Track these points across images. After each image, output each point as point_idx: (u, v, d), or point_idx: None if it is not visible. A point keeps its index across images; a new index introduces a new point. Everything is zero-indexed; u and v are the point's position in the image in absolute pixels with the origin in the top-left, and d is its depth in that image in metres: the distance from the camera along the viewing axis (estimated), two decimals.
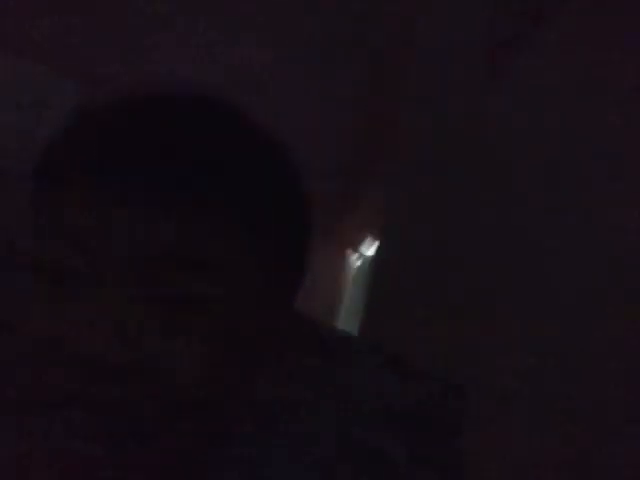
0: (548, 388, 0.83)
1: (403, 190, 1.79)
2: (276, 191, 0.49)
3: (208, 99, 0.50)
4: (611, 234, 0.78)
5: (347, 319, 2.63)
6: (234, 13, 2.18)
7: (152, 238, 0.44)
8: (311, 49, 2.25)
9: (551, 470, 0.79)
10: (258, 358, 0.51)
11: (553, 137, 0.97)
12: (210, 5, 2.17)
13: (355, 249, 2.79)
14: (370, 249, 2.69)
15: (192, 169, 0.44)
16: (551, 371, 0.83)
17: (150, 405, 0.43)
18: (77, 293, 0.44)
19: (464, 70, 1.42)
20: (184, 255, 0.45)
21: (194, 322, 0.45)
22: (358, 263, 2.83)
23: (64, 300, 0.44)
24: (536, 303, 0.91)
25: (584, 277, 0.82)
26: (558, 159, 0.94)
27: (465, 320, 1.10)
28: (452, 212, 1.33)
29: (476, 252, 1.14)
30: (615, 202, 0.79)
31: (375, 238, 2.54)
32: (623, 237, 0.76)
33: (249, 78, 2.18)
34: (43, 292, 0.45)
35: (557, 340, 0.84)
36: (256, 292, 0.49)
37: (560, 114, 0.96)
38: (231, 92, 0.52)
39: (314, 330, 0.72)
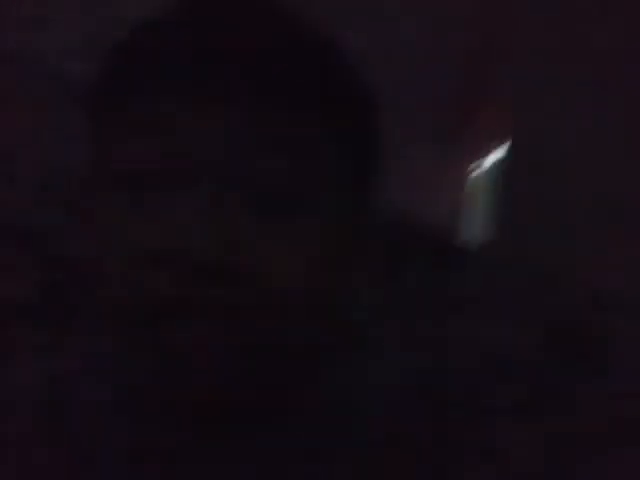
0: None
1: (533, 95, 1.71)
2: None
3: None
4: None
5: (472, 229, 2.57)
6: None
7: (247, 134, 0.43)
8: None
9: None
10: (355, 264, 0.51)
11: None
12: None
13: (479, 155, 2.71)
14: (494, 154, 2.60)
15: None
16: None
17: (250, 310, 0.43)
18: (171, 196, 0.43)
19: None
20: (277, 153, 0.44)
21: (290, 225, 0.44)
22: (482, 169, 2.75)
23: (156, 204, 0.43)
24: None
25: None
26: None
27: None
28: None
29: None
30: None
31: (499, 143, 2.45)
32: None
33: None
34: (136, 198, 0.44)
35: None
36: (345, 189, 0.48)
37: None
38: None
39: (437, 241, 0.70)
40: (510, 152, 1.91)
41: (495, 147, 2.52)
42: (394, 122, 0.56)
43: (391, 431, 0.53)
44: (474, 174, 2.78)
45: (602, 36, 1.28)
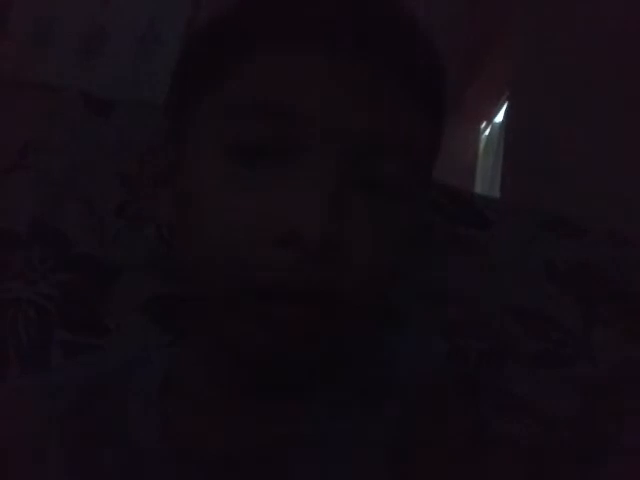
0: None
1: (531, 56, 1.69)
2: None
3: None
4: None
5: (485, 190, 2.55)
6: None
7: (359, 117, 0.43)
8: None
9: None
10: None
11: None
12: None
13: (482, 119, 2.68)
14: (497, 116, 2.57)
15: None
16: None
17: (335, 283, 0.42)
18: (280, 166, 0.43)
19: None
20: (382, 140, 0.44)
21: (379, 207, 0.44)
22: (487, 132, 2.72)
23: (266, 175, 0.43)
24: None
25: None
26: None
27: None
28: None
29: None
30: None
31: (500, 104, 2.43)
32: None
33: None
34: (246, 168, 0.44)
35: None
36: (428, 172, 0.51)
37: None
38: None
39: (465, 200, 0.70)
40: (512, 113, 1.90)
41: (495, 112, 2.48)
42: None
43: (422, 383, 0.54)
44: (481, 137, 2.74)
45: None
